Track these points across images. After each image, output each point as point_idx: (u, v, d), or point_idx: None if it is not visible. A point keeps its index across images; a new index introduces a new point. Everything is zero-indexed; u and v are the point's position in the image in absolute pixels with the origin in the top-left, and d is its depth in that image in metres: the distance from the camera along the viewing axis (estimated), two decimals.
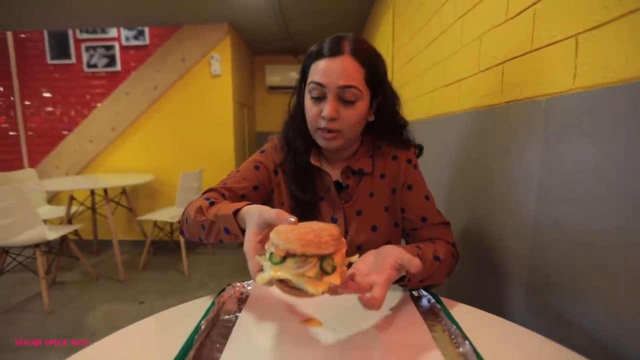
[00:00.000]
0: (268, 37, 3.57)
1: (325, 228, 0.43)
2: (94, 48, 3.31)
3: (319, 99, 0.68)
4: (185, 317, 0.55)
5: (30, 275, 2.43)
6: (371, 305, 0.45)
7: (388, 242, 0.74)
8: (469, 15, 0.99)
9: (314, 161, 0.75)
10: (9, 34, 3.35)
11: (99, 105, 3.36)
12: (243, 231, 0.56)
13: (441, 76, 1.24)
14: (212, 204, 0.65)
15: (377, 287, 0.46)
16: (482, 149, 0.91)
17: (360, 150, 0.77)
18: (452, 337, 0.50)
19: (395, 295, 0.63)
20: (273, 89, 4.31)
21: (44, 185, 2.72)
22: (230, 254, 3.26)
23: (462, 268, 0.86)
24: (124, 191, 3.19)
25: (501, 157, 0.81)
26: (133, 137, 3.34)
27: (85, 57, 3.31)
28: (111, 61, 3.32)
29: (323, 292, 0.41)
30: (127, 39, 3.29)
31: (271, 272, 0.42)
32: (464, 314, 0.57)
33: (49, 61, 3.33)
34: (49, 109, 3.42)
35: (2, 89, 3.42)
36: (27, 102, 3.43)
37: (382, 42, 2.37)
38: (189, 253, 2.98)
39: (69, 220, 2.87)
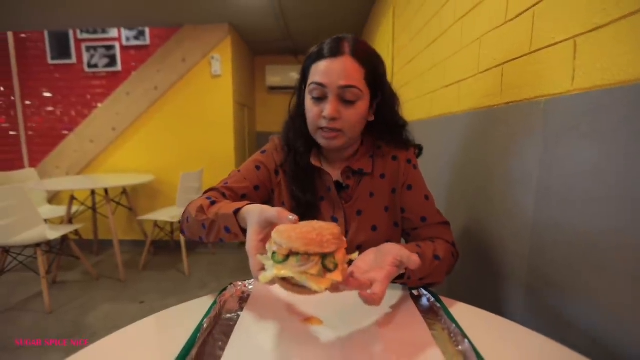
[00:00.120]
0: (268, 38, 3.58)
1: (327, 227, 0.44)
2: (95, 48, 3.31)
3: (320, 99, 0.68)
4: (185, 316, 0.56)
5: (30, 275, 2.43)
6: (371, 301, 0.46)
7: (388, 242, 0.75)
8: (469, 16, 1.00)
9: (314, 161, 0.76)
10: (10, 34, 3.35)
11: (99, 105, 3.37)
12: (243, 230, 0.57)
13: (441, 77, 1.25)
14: (213, 203, 0.66)
15: (377, 284, 0.47)
16: (482, 149, 0.92)
17: (360, 150, 0.78)
18: (452, 335, 0.51)
19: (395, 294, 0.64)
20: (273, 89, 4.31)
21: (45, 185, 2.72)
22: (230, 254, 3.27)
23: (461, 268, 0.86)
24: (124, 191, 3.20)
25: (500, 157, 0.81)
26: (133, 137, 3.35)
27: (85, 57, 3.32)
28: (112, 61, 3.32)
29: (326, 289, 0.42)
30: (128, 39, 3.30)
31: (274, 270, 0.42)
32: (463, 312, 0.57)
33: (50, 61, 3.34)
34: (50, 108, 3.43)
35: (2, 88, 3.43)
36: (27, 102, 3.44)
37: (383, 42, 2.38)
38: (189, 253, 2.99)
39: (70, 220, 2.87)
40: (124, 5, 2.71)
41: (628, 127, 0.48)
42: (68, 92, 3.39)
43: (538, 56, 0.68)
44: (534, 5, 0.69)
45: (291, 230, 0.43)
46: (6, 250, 2.30)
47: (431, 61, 1.36)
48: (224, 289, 0.64)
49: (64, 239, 2.50)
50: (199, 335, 0.49)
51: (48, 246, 2.51)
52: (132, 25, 3.26)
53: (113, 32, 3.30)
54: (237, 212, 0.57)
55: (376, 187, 0.76)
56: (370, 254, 0.56)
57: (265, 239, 0.50)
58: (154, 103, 3.30)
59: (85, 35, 3.31)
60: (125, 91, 3.30)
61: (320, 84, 0.67)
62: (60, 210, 3.12)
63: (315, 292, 0.42)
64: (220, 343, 0.49)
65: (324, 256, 0.42)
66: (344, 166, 0.76)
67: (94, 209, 3.14)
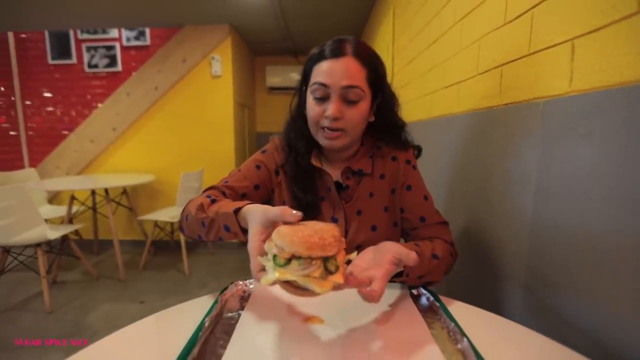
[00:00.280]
0: (268, 38, 3.59)
1: (327, 229, 0.45)
2: (95, 48, 3.32)
3: (322, 99, 0.69)
4: (185, 316, 0.56)
5: (31, 275, 2.44)
6: (370, 298, 0.47)
7: None
8: (468, 18, 1.00)
9: (314, 162, 0.76)
10: (10, 34, 3.35)
11: (99, 105, 3.37)
12: (243, 230, 0.57)
13: (441, 78, 1.25)
14: (213, 201, 0.66)
15: (376, 281, 0.48)
16: (481, 150, 0.92)
17: (360, 151, 0.78)
18: (451, 334, 0.51)
19: (395, 294, 0.64)
20: (273, 89, 4.31)
21: (45, 185, 2.72)
22: (230, 254, 3.27)
23: (461, 268, 0.87)
24: (124, 191, 3.20)
25: (499, 158, 0.82)
26: (134, 137, 3.35)
27: (86, 57, 3.32)
28: (112, 61, 3.33)
29: (328, 291, 0.42)
30: (128, 39, 3.30)
31: (277, 274, 0.42)
32: (462, 311, 0.58)
33: (50, 61, 3.34)
34: (50, 108, 3.43)
35: (2, 89, 3.43)
36: (27, 102, 3.44)
37: (383, 43, 2.38)
38: (189, 253, 2.99)
39: (70, 220, 2.88)
40: (124, 6, 2.71)
41: (626, 129, 0.48)
42: (68, 92, 3.39)
43: (537, 58, 0.68)
44: (532, 7, 0.69)
45: (293, 234, 0.43)
46: (6, 250, 2.30)
47: (431, 62, 1.37)
48: (225, 288, 0.64)
49: (64, 238, 2.50)
50: (200, 333, 0.50)
51: (48, 246, 2.52)
52: (133, 26, 3.26)
53: (113, 33, 3.31)
54: (237, 211, 0.57)
55: (376, 187, 0.77)
56: (369, 252, 0.57)
57: (268, 239, 0.50)
58: (154, 103, 3.30)
59: (86, 36, 3.31)
60: (125, 91, 3.31)
61: (323, 84, 0.67)
62: (60, 210, 3.12)
63: (317, 295, 0.42)
64: (221, 342, 0.49)
65: (325, 259, 0.43)
66: (344, 166, 0.77)
67: (94, 209, 3.14)
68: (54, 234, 2.27)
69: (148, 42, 3.29)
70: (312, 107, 0.70)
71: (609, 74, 0.51)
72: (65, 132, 3.43)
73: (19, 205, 2.12)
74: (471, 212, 0.97)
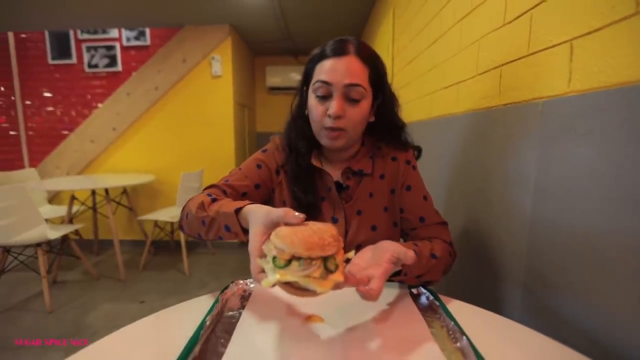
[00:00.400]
0: (269, 38, 3.59)
1: (325, 229, 0.45)
2: (95, 48, 3.32)
3: (325, 97, 0.69)
4: (185, 316, 0.56)
5: (31, 275, 2.44)
6: (369, 296, 0.47)
7: None
8: (468, 18, 1.01)
9: (314, 162, 0.76)
10: (10, 34, 3.36)
11: (99, 105, 3.38)
12: (244, 230, 0.57)
13: (440, 78, 1.26)
14: (214, 200, 0.66)
15: (374, 280, 0.49)
16: (480, 150, 0.93)
17: (361, 151, 0.79)
18: (450, 332, 0.52)
19: (394, 293, 0.65)
20: (273, 89, 4.32)
21: (45, 184, 2.73)
22: (230, 254, 3.27)
23: (460, 268, 0.87)
24: (124, 191, 3.20)
25: (498, 158, 0.82)
26: (134, 137, 3.36)
27: (86, 57, 3.32)
28: (112, 61, 3.33)
29: (329, 290, 0.43)
30: (128, 39, 3.30)
31: (277, 275, 0.43)
32: (461, 310, 0.58)
33: (50, 61, 3.35)
34: (50, 108, 3.43)
35: (3, 88, 3.44)
36: (27, 102, 3.44)
37: (382, 43, 2.39)
38: (189, 253, 2.99)
39: (70, 219, 2.88)
40: (124, 6, 2.72)
41: (624, 129, 0.48)
42: (68, 92, 3.39)
43: (536, 58, 0.69)
44: (531, 8, 0.70)
45: (292, 235, 0.43)
46: (7, 250, 2.30)
47: (431, 62, 1.37)
48: (226, 287, 0.65)
49: (65, 238, 2.51)
50: (201, 332, 0.50)
51: (48, 246, 2.52)
52: (133, 26, 3.26)
53: (113, 33, 3.31)
54: (238, 211, 0.57)
55: (376, 187, 0.77)
56: (367, 251, 0.57)
57: (267, 241, 0.50)
58: (154, 103, 3.30)
59: (86, 36, 3.31)
60: (125, 91, 3.31)
61: (325, 82, 0.68)
62: (60, 210, 3.12)
63: (317, 294, 0.42)
64: (222, 340, 0.50)
65: (325, 258, 0.43)
66: (344, 167, 0.77)
67: (94, 209, 3.14)
68: (54, 233, 2.27)
69: (148, 42, 3.30)
70: (314, 106, 0.71)
71: (607, 74, 0.52)
72: (66, 132, 3.43)
73: (20, 205, 2.12)
74: (470, 212, 0.97)
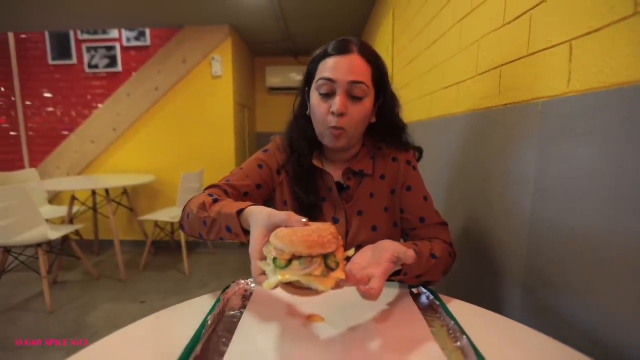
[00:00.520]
0: (269, 39, 3.59)
1: (324, 228, 0.45)
2: (95, 49, 3.32)
3: (328, 95, 0.69)
4: (186, 315, 0.57)
5: (32, 275, 2.44)
6: (369, 296, 0.47)
7: None
8: (468, 19, 1.01)
9: (316, 162, 0.77)
10: (11, 35, 3.36)
11: (100, 106, 3.38)
12: (245, 231, 0.57)
13: (440, 79, 1.26)
14: (215, 200, 0.66)
15: (375, 279, 0.49)
16: (480, 150, 0.93)
17: (362, 151, 0.79)
18: (450, 332, 0.52)
19: (395, 293, 0.65)
20: (273, 90, 4.32)
21: (46, 185, 2.73)
22: (231, 254, 3.28)
23: (460, 267, 0.87)
24: (125, 191, 3.21)
25: (498, 158, 0.82)
26: (134, 137, 3.36)
27: (86, 57, 3.33)
28: (112, 62, 3.33)
29: (331, 288, 0.43)
30: (129, 40, 3.31)
31: (279, 276, 0.42)
32: (462, 310, 0.58)
33: (50, 62, 3.35)
34: (50, 109, 3.44)
35: (3, 89, 3.44)
36: (28, 103, 3.44)
37: (382, 44, 2.39)
38: (189, 253, 3.00)
39: (71, 220, 2.88)
40: (124, 7, 2.72)
41: (624, 129, 0.49)
42: (68, 92, 3.40)
43: (535, 59, 0.69)
44: (531, 9, 0.70)
45: (292, 235, 0.43)
46: (7, 250, 2.31)
47: (431, 63, 1.37)
48: (227, 287, 0.65)
49: (65, 239, 2.51)
50: (203, 331, 0.50)
51: (49, 246, 2.52)
52: (133, 26, 3.27)
53: (114, 33, 3.31)
54: (240, 212, 0.57)
55: (376, 188, 0.77)
56: (368, 251, 0.58)
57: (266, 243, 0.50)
58: (154, 104, 3.31)
59: (86, 36, 3.32)
60: (125, 92, 3.32)
61: (329, 79, 0.68)
62: (61, 211, 3.13)
63: (319, 293, 0.43)
64: (224, 340, 0.50)
65: (325, 256, 0.43)
66: (345, 167, 0.77)
67: (94, 209, 3.15)
68: (54, 234, 2.27)
69: (148, 42, 3.30)
70: (317, 105, 0.71)
71: (606, 75, 0.52)
72: (66, 133, 3.44)
73: (20, 205, 2.12)
74: (470, 212, 0.98)
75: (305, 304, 0.59)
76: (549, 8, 0.65)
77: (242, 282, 0.68)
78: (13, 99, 3.44)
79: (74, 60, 3.34)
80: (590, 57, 0.55)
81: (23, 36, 3.37)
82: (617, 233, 0.49)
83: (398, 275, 0.62)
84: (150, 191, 3.42)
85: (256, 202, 0.73)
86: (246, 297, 0.64)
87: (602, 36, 0.53)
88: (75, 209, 3.02)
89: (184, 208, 0.72)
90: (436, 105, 1.31)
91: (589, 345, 0.53)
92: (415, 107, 1.59)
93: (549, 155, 0.64)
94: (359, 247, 0.74)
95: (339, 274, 0.43)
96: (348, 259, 0.53)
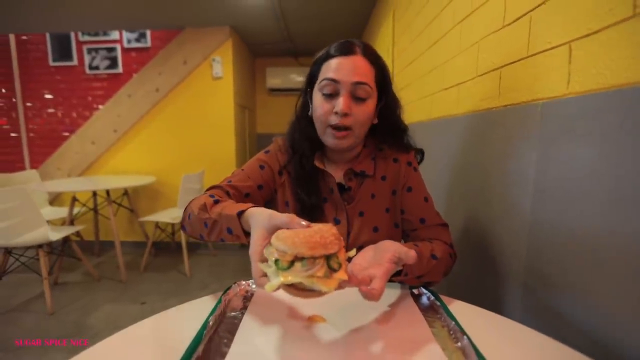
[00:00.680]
0: (269, 40, 3.60)
1: (326, 229, 0.45)
2: (96, 50, 3.33)
3: (331, 95, 0.69)
4: (187, 316, 0.57)
5: (32, 276, 2.44)
6: (371, 296, 0.47)
7: None
8: (468, 20, 1.01)
9: (317, 163, 0.77)
10: (11, 36, 3.37)
11: (100, 107, 3.39)
12: (246, 233, 0.57)
13: (440, 80, 1.26)
14: (216, 202, 0.66)
15: (376, 280, 0.49)
16: (480, 151, 0.93)
17: (363, 152, 0.79)
18: (451, 332, 0.52)
19: (396, 293, 0.65)
20: (274, 91, 4.33)
21: (47, 186, 2.73)
22: (231, 255, 3.28)
23: (460, 268, 0.87)
24: (125, 192, 3.21)
25: (498, 159, 0.83)
26: (135, 138, 3.37)
27: (87, 59, 3.33)
28: (113, 63, 3.34)
29: (334, 289, 0.43)
30: (129, 41, 3.31)
31: (280, 278, 0.42)
32: (462, 310, 0.58)
33: (51, 63, 3.36)
34: (51, 110, 3.44)
35: (4, 90, 3.44)
36: (28, 104, 3.45)
37: (383, 45, 2.39)
38: (190, 254, 3.00)
39: (71, 221, 2.89)
40: (125, 8, 2.73)
41: (623, 130, 0.49)
42: (69, 93, 3.40)
43: (535, 60, 0.69)
44: (530, 11, 0.70)
45: (294, 236, 0.43)
46: (8, 251, 2.31)
47: (431, 64, 1.38)
48: (229, 288, 0.65)
49: (66, 240, 2.51)
50: (205, 332, 0.50)
51: (50, 247, 2.52)
52: (134, 28, 3.28)
53: (114, 34, 3.32)
54: (240, 214, 0.57)
55: (377, 188, 0.78)
56: (369, 251, 0.58)
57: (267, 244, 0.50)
58: (155, 105, 3.31)
59: (87, 37, 3.32)
60: (126, 93, 3.32)
61: (333, 80, 0.68)
62: (61, 212, 3.13)
63: (321, 294, 0.42)
64: (225, 340, 0.50)
65: (328, 257, 0.43)
66: (347, 168, 0.77)
67: (95, 210, 3.15)
68: (55, 235, 2.28)
69: (149, 44, 3.31)
70: (320, 105, 0.71)
71: (605, 76, 0.52)
72: (66, 134, 3.44)
73: (21, 206, 2.13)
74: (470, 213, 0.98)
75: (306, 304, 0.60)
76: (548, 10, 0.66)
77: (243, 283, 0.68)
78: (14, 100, 3.44)
79: (75, 62, 3.35)
80: (589, 59, 0.55)
81: (24, 37, 3.38)
82: (616, 233, 0.49)
83: (398, 275, 0.62)
84: (151, 192, 3.42)
85: (257, 203, 0.74)
86: (247, 298, 0.64)
87: (601, 38, 0.53)
88: (76, 210, 3.03)
89: (185, 209, 0.72)
90: (436, 106, 1.32)
91: (589, 345, 0.53)
92: (416, 108, 1.59)
93: (549, 156, 0.64)
94: (360, 248, 0.75)
95: (341, 275, 0.43)
96: (349, 259, 0.53)
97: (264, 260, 0.47)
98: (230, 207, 0.61)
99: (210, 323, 0.53)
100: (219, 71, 3.22)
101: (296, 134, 0.79)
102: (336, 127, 0.70)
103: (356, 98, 0.69)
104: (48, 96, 3.43)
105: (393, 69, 2.11)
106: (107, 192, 2.73)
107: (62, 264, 2.74)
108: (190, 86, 3.28)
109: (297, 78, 4.12)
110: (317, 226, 0.46)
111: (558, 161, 0.62)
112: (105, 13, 2.85)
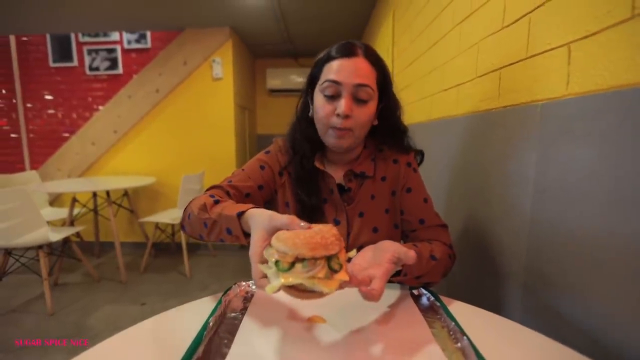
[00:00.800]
0: (269, 41, 3.60)
1: (326, 229, 0.45)
2: (96, 51, 3.33)
3: (333, 97, 0.70)
4: (187, 317, 0.57)
5: (32, 277, 2.44)
6: (371, 297, 0.47)
7: None
8: (467, 22, 1.02)
9: (317, 164, 0.77)
10: (12, 37, 3.37)
11: (100, 108, 3.39)
12: (245, 234, 0.57)
13: (440, 80, 1.27)
14: (216, 202, 0.66)
15: (376, 280, 0.49)
16: (480, 152, 0.93)
17: (363, 153, 0.79)
18: (451, 333, 0.52)
19: (396, 294, 0.65)
20: (274, 91, 4.33)
21: (47, 187, 2.73)
22: (231, 256, 3.28)
23: (460, 268, 0.88)
24: (125, 193, 3.21)
25: (498, 160, 0.83)
26: (135, 139, 3.37)
27: (87, 60, 3.34)
28: (113, 64, 3.34)
29: (335, 290, 0.43)
30: (129, 42, 3.32)
31: (281, 279, 0.42)
32: (462, 311, 0.59)
33: (51, 64, 3.36)
34: (51, 111, 3.45)
35: (4, 91, 3.45)
36: (29, 105, 3.45)
37: (383, 45, 2.40)
38: (190, 255, 3.00)
39: (71, 222, 2.89)
40: (125, 9, 2.73)
41: (622, 131, 0.49)
42: (69, 94, 3.41)
43: (534, 61, 0.70)
44: (530, 12, 0.71)
45: (294, 237, 0.43)
46: (8, 252, 2.31)
47: (431, 64, 1.38)
48: (229, 289, 0.65)
49: (66, 241, 2.51)
50: (205, 333, 0.50)
51: (50, 248, 2.52)
52: (134, 29, 3.28)
53: (114, 36, 3.32)
54: (240, 215, 0.57)
55: (377, 189, 0.78)
56: (368, 251, 0.58)
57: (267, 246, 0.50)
58: (155, 106, 3.32)
59: (87, 39, 3.33)
60: (126, 94, 3.33)
61: (335, 82, 0.68)
62: (61, 213, 3.13)
63: (322, 295, 0.42)
64: (225, 341, 0.50)
65: (328, 258, 0.43)
66: (347, 169, 0.78)
67: (95, 211, 3.15)
68: (55, 236, 2.28)
69: (149, 45, 3.31)
70: (321, 106, 0.71)
71: (604, 77, 0.52)
72: (67, 135, 3.45)
73: (21, 207, 2.13)
74: (470, 214, 0.98)
75: (306, 305, 0.60)
76: (547, 11, 0.66)
77: (243, 283, 0.68)
78: (14, 101, 3.45)
79: (75, 63, 3.35)
80: (588, 60, 0.56)
81: (24, 38, 3.38)
82: (616, 234, 0.50)
83: (398, 275, 0.62)
84: (151, 193, 3.42)
85: (258, 203, 0.74)
86: (247, 298, 0.64)
87: (600, 39, 0.53)
88: (76, 210, 3.03)
89: (185, 209, 0.72)
90: (436, 107, 1.32)
91: (588, 346, 0.53)
92: (416, 108, 1.59)
93: (548, 156, 0.64)
94: (360, 249, 0.75)
95: (342, 276, 0.43)
96: (349, 260, 0.53)
97: (264, 261, 0.47)
98: (230, 208, 0.61)
99: (211, 324, 0.53)
100: (219, 72, 3.23)
101: (297, 135, 0.79)
102: (337, 128, 0.70)
103: (358, 100, 0.69)
104: (48, 97, 3.43)
105: (393, 70, 2.11)
106: (107, 192, 2.73)
107: (62, 265, 2.74)
108: (191, 87, 3.29)
109: (297, 79, 4.12)
110: (317, 227, 0.46)
111: (557, 162, 0.62)
112: (105, 14, 2.86)
